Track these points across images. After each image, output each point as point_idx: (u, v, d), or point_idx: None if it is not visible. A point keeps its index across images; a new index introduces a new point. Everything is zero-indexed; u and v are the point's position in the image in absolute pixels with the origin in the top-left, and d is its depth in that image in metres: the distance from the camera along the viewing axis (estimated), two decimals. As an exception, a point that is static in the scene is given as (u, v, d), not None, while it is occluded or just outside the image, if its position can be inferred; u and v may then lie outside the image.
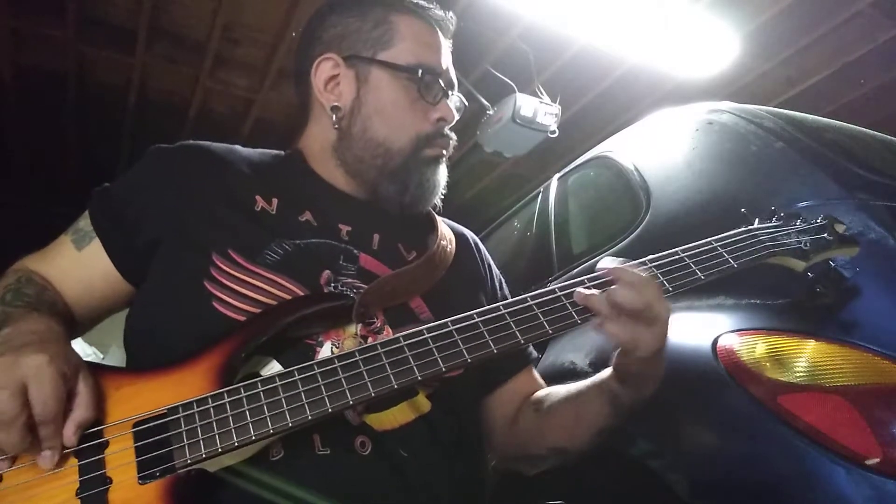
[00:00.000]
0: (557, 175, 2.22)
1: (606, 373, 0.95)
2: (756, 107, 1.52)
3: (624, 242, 1.56)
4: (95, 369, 0.80)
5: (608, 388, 0.94)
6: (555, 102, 3.71)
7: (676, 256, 0.95)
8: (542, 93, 3.74)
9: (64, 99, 4.16)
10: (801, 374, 0.99)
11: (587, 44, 3.62)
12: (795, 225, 1.03)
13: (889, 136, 1.57)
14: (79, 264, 0.98)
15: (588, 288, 0.89)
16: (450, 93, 1.09)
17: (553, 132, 3.73)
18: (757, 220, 1.04)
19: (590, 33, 3.50)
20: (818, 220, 1.03)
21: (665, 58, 3.66)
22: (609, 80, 3.99)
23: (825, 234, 1.01)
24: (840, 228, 1.03)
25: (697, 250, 0.96)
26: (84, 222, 1.00)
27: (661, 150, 1.66)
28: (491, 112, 3.74)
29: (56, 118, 4.38)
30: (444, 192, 1.11)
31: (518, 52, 3.65)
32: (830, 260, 1.02)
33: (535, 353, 1.17)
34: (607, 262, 0.90)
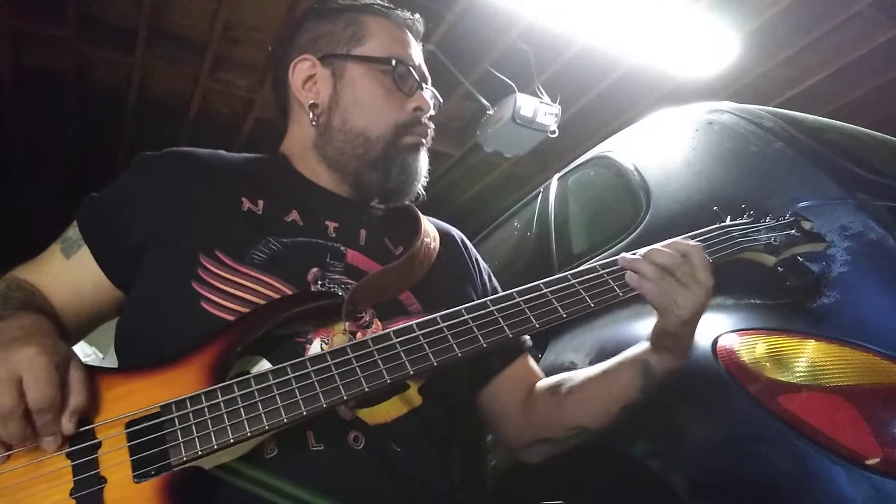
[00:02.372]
0: (557, 175, 2.22)
1: (639, 346, 0.99)
2: (756, 107, 1.52)
3: (624, 242, 1.56)
4: (87, 371, 0.80)
5: (641, 359, 0.97)
6: (555, 102, 3.71)
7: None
8: (542, 93, 3.73)
9: (64, 99, 4.16)
10: (801, 374, 0.99)
11: (587, 44, 3.61)
12: (765, 222, 1.06)
13: (889, 136, 1.57)
14: (68, 272, 0.99)
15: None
16: (423, 86, 1.12)
17: (553, 132, 3.73)
18: (728, 217, 1.07)
19: (590, 33, 3.50)
20: (786, 217, 1.07)
21: (665, 58, 3.66)
22: (609, 80, 3.98)
23: (793, 231, 1.05)
24: (807, 225, 1.06)
25: None
26: (72, 231, 1.01)
27: (661, 150, 1.66)
28: (491, 112, 3.74)
29: (56, 118, 4.38)
30: (426, 179, 1.13)
31: (518, 52, 3.65)
32: (798, 255, 1.05)
33: (529, 342, 1.18)
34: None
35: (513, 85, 3.64)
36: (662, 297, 0.89)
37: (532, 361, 1.16)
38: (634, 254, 0.95)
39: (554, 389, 1.08)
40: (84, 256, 0.99)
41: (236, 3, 3.42)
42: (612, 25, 3.41)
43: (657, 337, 0.94)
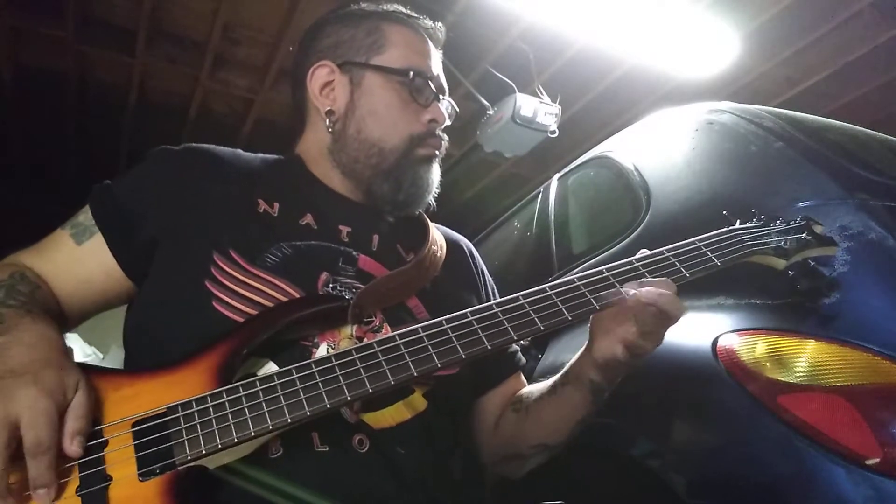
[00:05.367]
0: (557, 175, 2.22)
1: (583, 364, 0.97)
2: (756, 107, 1.52)
3: (624, 242, 1.56)
4: (95, 372, 0.80)
5: (588, 379, 0.96)
6: (555, 102, 3.70)
7: (662, 256, 0.97)
8: (542, 93, 3.73)
9: (64, 99, 4.16)
10: (801, 374, 0.99)
11: (587, 44, 3.61)
12: (775, 226, 1.06)
13: (889, 136, 1.57)
14: (78, 259, 0.97)
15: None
16: (441, 97, 1.12)
17: (553, 132, 3.72)
18: (738, 221, 1.07)
19: (590, 33, 3.50)
20: (797, 221, 1.06)
21: (665, 58, 3.66)
22: (609, 80, 3.98)
23: (804, 234, 1.04)
24: (818, 229, 1.05)
25: (682, 250, 0.98)
26: (84, 216, 1.00)
27: (661, 150, 1.66)
28: (491, 112, 3.73)
29: (56, 118, 4.38)
30: (437, 190, 1.13)
31: (518, 52, 3.65)
32: (809, 259, 1.05)
33: (523, 360, 1.19)
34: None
35: (513, 85, 3.64)
36: (636, 340, 0.89)
37: (523, 379, 1.17)
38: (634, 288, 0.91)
39: (516, 406, 1.09)
40: (97, 244, 0.97)
41: (236, 3, 3.42)
42: (612, 25, 3.40)
43: (615, 364, 0.92)
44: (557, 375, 1.02)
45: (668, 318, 0.88)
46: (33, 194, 5.01)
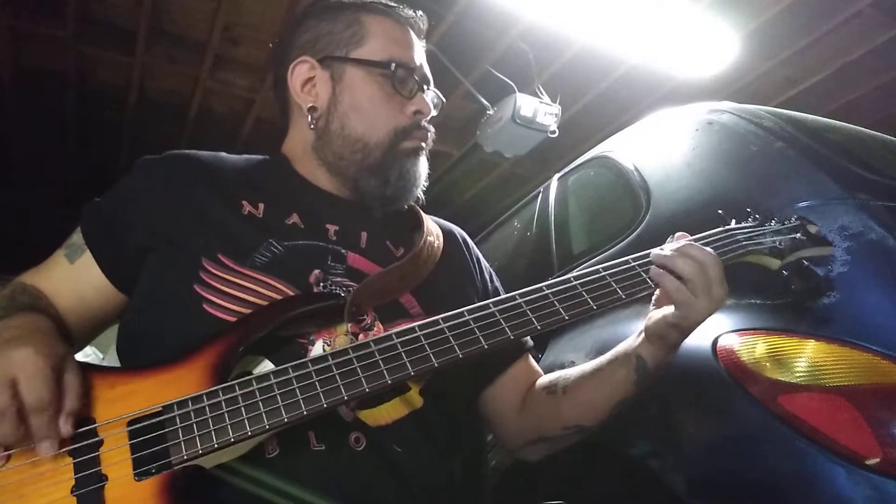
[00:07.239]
0: (557, 175, 2.22)
1: (631, 341, 0.97)
2: (756, 107, 1.52)
3: (624, 242, 1.56)
4: (90, 369, 0.80)
5: (635, 354, 0.95)
6: (555, 102, 3.71)
7: None
8: (542, 93, 3.74)
9: (64, 99, 4.16)
10: (801, 374, 0.99)
11: (587, 44, 3.62)
12: (770, 225, 1.05)
13: (889, 136, 1.57)
14: (72, 276, 0.99)
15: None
16: (425, 87, 1.11)
17: (553, 132, 3.73)
18: (733, 220, 1.06)
19: (590, 33, 3.51)
20: (791, 221, 1.06)
21: (665, 58, 3.66)
22: (609, 80, 3.99)
23: (798, 234, 1.04)
24: (812, 229, 1.05)
25: None
26: (76, 237, 1.02)
27: (662, 150, 1.66)
28: (491, 112, 3.74)
29: (56, 118, 4.38)
30: (426, 183, 1.12)
31: (518, 52, 3.65)
32: (803, 259, 1.04)
33: (530, 342, 1.18)
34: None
35: (513, 85, 3.64)
36: (682, 293, 0.88)
37: (533, 361, 1.16)
38: (662, 249, 0.94)
39: (550, 389, 1.08)
40: (87, 261, 0.99)
41: (236, 3, 3.43)
42: (612, 25, 3.41)
43: (663, 329, 0.91)
44: (604, 356, 1.01)
45: (701, 263, 0.88)
46: (33, 194, 5.01)
